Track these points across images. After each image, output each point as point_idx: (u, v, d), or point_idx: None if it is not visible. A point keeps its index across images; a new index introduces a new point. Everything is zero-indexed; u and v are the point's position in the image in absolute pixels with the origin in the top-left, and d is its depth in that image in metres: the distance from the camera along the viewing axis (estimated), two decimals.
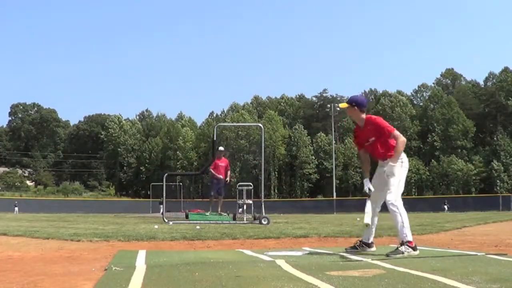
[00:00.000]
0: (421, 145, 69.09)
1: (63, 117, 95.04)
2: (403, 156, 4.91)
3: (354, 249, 5.06)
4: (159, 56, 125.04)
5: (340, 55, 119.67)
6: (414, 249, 4.65)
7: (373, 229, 5.08)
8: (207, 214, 13.62)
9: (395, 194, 4.73)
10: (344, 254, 4.83)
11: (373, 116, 5.08)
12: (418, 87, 77.28)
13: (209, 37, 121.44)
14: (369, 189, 4.88)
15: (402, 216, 4.67)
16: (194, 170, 64.47)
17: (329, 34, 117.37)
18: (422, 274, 3.25)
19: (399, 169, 4.83)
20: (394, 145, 4.86)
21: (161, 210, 13.49)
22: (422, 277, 3.13)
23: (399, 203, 4.73)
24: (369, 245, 5.06)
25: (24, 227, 9.87)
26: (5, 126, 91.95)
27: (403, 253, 4.55)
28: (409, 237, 4.67)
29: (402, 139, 4.86)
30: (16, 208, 39.02)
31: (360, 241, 5.12)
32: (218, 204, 13.88)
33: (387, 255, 4.53)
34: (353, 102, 5.03)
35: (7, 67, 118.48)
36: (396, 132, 4.86)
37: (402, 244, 4.62)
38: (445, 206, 40.46)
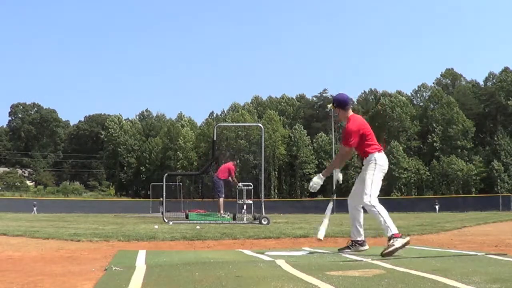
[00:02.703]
0: (421, 145, 69.01)
1: (63, 117, 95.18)
2: (378, 157, 4.91)
3: (347, 249, 5.07)
4: (159, 56, 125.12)
5: (340, 55, 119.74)
6: (402, 237, 4.66)
7: (361, 229, 5.09)
8: (225, 216, 13.83)
9: (369, 195, 4.78)
10: (344, 254, 4.84)
11: (353, 117, 5.01)
12: (418, 87, 77.15)
13: (209, 37, 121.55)
14: (338, 180, 4.99)
15: (381, 213, 4.71)
16: (194, 170, 64.43)
17: (329, 34, 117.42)
18: (422, 274, 3.25)
19: (373, 171, 4.87)
20: (372, 144, 4.92)
21: (161, 210, 13.59)
22: (422, 277, 3.13)
23: (375, 202, 4.77)
24: (361, 244, 5.05)
25: (24, 227, 9.87)
26: (5, 126, 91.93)
27: (394, 245, 4.56)
28: (394, 230, 4.68)
29: (341, 153, 5.09)
30: (35, 208, 39.04)
31: (352, 241, 5.11)
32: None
33: (382, 255, 4.53)
34: (334, 102, 5.07)
35: (7, 67, 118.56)
36: (343, 148, 5.01)
37: (390, 239, 4.63)
38: (436, 206, 39.65)
